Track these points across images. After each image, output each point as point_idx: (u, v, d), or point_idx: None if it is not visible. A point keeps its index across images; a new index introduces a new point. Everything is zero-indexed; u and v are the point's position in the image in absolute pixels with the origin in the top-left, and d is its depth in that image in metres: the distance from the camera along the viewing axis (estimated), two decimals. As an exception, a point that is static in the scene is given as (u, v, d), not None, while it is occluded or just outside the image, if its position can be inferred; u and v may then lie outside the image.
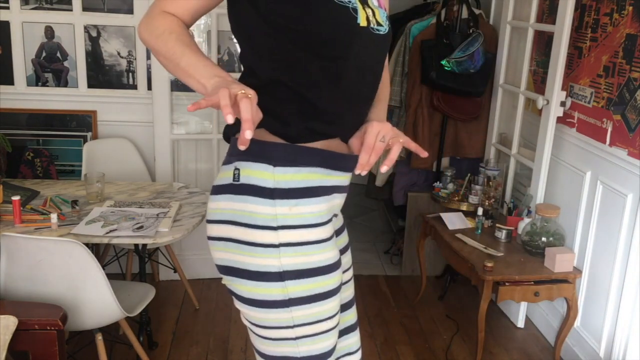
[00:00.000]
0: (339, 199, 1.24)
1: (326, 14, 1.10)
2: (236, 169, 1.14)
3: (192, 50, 1.09)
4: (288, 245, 1.12)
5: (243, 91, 0.97)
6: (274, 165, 1.13)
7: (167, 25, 1.12)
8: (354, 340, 1.51)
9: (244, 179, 1.13)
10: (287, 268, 1.12)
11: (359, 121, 1.23)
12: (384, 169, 1.11)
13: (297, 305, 1.15)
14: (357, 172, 1.14)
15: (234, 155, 1.17)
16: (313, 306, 1.16)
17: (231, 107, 0.93)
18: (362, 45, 1.16)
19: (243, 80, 1.21)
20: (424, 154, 1.17)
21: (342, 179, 1.21)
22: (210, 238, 1.22)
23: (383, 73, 1.33)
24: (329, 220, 1.21)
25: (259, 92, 1.03)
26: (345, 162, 1.19)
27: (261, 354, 1.25)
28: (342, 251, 1.39)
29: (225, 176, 1.18)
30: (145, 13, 1.20)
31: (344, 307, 1.48)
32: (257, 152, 1.13)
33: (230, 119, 0.92)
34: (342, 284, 1.31)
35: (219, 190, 1.18)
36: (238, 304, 1.21)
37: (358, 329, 1.54)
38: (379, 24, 1.19)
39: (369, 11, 1.17)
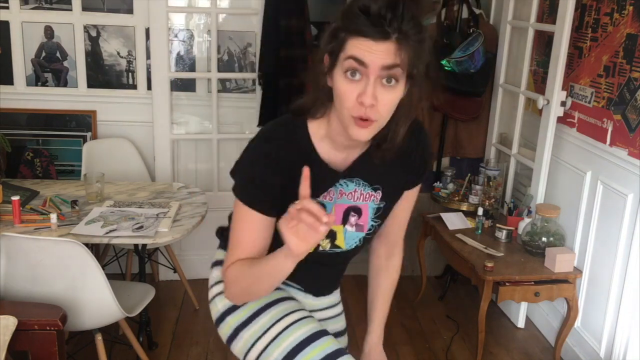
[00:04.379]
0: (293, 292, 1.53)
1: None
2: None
3: (257, 265, 1.28)
4: (218, 295, 1.54)
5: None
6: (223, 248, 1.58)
7: (234, 274, 1.32)
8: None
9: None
10: (222, 310, 1.49)
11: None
12: None
13: (242, 330, 1.43)
14: None
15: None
16: (251, 326, 1.42)
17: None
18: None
19: None
20: None
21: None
22: None
23: (383, 284, 1.75)
24: None
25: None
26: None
27: None
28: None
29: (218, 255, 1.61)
30: (227, 285, 1.37)
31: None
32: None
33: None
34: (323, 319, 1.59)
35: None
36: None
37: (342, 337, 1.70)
38: (335, 246, 1.42)
39: (325, 241, 1.39)
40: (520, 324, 3.18)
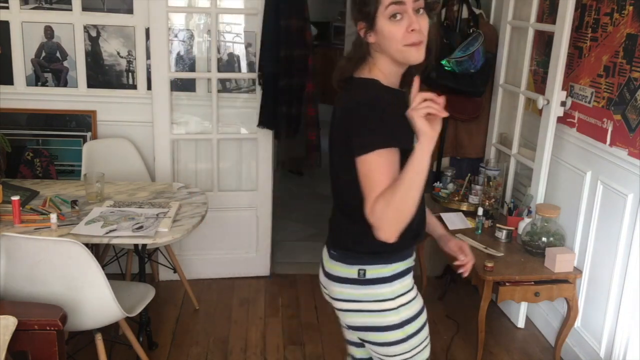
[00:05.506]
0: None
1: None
2: (361, 269, 1.68)
3: (398, 180, 1.45)
4: (403, 305, 1.73)
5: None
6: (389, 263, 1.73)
7: (383, 202, 1.45)
8: None
9: (369, 275, 1.69)
10: (404, 318, 1.74)
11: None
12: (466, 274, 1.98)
13: (412, 338, 1.80)
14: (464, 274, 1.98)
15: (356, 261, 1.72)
16: (416, 336, 1.81)
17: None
18: None
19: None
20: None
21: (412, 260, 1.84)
22: (341, 309, 1.75)
23: None
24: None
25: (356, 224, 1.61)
26: (409, 252, 1.78)
27: None
28: None
29: (348, 272, 1.69)
30: (378, 222, 1.47)
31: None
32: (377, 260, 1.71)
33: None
34: None
35: (342, 280, 1.71)
36: (379, 349, 1.78)
37: None
38: None
39: None
40: (520, 324, 3.18)
